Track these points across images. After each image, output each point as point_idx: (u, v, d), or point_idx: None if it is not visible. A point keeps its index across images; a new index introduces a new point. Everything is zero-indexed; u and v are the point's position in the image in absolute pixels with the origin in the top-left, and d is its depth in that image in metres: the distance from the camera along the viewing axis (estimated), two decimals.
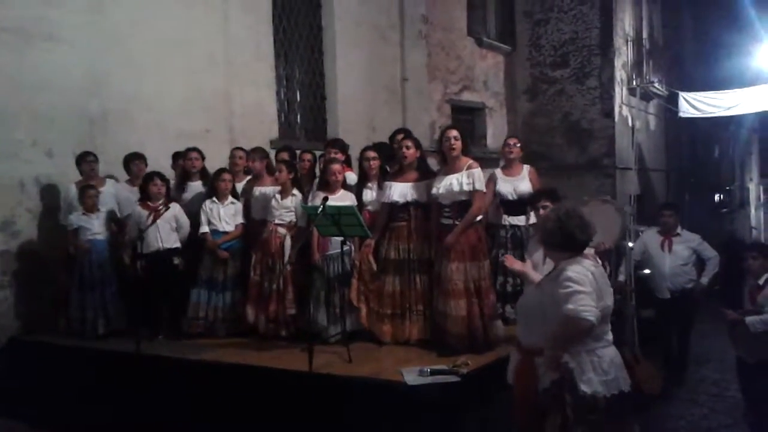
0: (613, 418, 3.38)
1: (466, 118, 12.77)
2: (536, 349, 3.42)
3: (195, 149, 6.83)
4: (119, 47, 7.30)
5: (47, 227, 6.82)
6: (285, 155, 6.55)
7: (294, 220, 5.95)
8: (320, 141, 9.47)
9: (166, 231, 6.22)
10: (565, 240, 3.45)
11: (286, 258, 5.84)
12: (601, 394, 3.33)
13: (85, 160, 6.67)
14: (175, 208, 6.37)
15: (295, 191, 6.02)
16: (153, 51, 7.58)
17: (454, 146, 5.33)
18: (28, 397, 6.07)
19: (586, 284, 3.30)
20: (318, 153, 7.04)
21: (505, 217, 6.35)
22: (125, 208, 6.68)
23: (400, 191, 5.56)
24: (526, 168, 6.46)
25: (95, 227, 6.39)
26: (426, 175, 5.61)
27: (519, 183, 6.32)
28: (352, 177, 6.26)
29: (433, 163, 6.03)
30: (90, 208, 6.41)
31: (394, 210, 5.61)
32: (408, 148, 5.58)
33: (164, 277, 6.19)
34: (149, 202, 6.28)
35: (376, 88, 10.56)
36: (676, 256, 7.14)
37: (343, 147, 6.63)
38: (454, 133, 5.36)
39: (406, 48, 11.05)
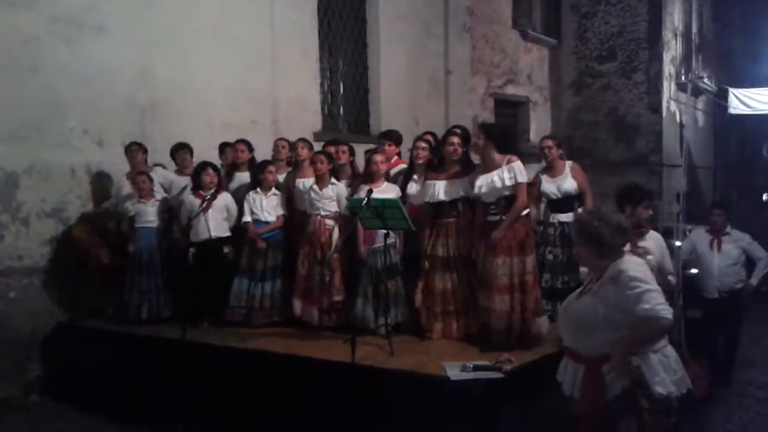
0: (680, 418, 3.30)
1: (510, 112, 12.68)
2: (600, 357, 3.24)
3: (243, 141, 6.87)
4: (168, 39, 7.42)
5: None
6: (331, 148, 6.54)
7: (338, 210, 5.98)
8: (363, 134, 9.49)
9: (217, 220, 6.28)
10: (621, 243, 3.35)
11: (333, 248, 5.87)
12: (674, 394, 3.24)
13: (130, 150, 6.80)
14: (226, 198, 6.43)
15: (334, 180, 6.06)
16: (201, 43, 7.69)
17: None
18: (76, 381, 6.22)
19: (652, 282, 3.18)
20: (361, 146, 7.05)
21: (552, 215, 6.30)
22: (175, 191, 6.77)
23: (446, 189, 5.50)
24: (568, 165, 6.37)
25: (149, 215, 6.49)
26: (470, 170, 5.56)
27: (562, 182, 6.27)
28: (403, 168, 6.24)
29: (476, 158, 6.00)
30: (145, 195, 6.51)
31: (440, 206, 5.55)
32: (452, 144, 5.55)
33: (213, 265, 6.25)
34: (201, 191, 6.34)
35: (419, 81, 10.53)
36: (725, 255, 6.99)
37: (397, 139, 6.60)
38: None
39: (450, 41, 10.99)
